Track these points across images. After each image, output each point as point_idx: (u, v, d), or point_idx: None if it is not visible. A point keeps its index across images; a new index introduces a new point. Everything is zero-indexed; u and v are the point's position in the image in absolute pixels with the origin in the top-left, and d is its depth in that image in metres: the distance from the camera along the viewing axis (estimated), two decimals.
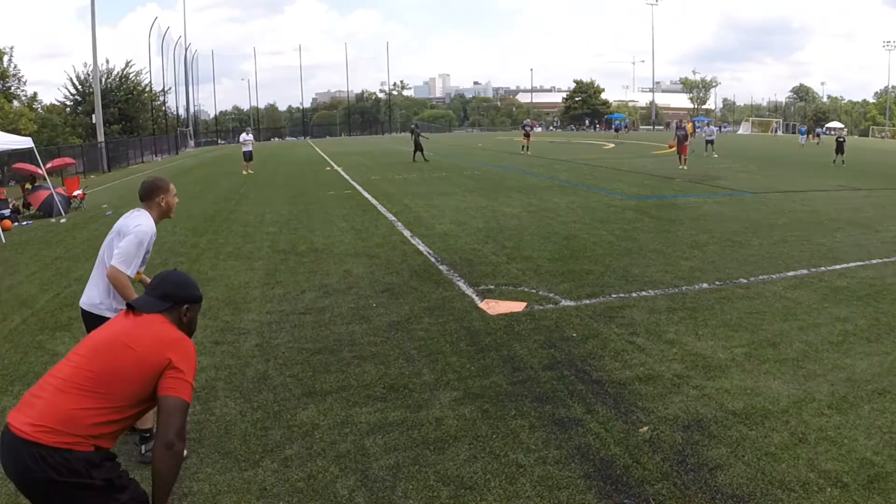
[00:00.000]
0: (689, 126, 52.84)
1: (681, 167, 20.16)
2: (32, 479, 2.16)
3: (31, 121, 32.10)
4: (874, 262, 7.92)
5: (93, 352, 2.35)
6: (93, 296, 3.71)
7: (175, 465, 2.25)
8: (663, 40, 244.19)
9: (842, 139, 25.73)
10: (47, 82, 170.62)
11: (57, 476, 2.13)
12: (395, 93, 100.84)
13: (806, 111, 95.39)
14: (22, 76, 37.05)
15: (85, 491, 2.18)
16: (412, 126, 30.73)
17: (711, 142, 30.65)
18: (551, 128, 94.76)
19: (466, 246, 9.20)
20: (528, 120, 40.54)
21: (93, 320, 3.58)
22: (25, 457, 2.14)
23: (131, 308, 2.51)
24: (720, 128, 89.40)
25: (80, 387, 2.23)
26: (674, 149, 21.34)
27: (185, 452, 3.18)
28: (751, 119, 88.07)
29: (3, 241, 11.26)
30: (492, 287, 6.97)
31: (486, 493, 3.27)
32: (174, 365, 2.31)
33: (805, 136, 43.20)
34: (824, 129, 62.36)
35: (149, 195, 3.76)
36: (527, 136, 33.00)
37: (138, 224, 3.64)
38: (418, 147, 26.19)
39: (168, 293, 2.53)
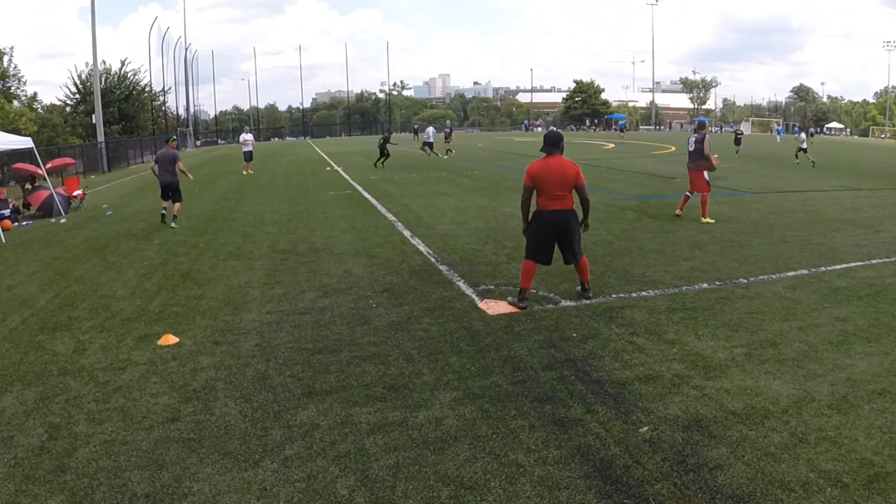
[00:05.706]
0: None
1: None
2: (566, 219, 6.10)
3: (31, 121, 32.13)
4: (874, 262, 7.92)
5: (557, 178, 5.97)
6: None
7: (588, 200, 6.15)
8: (663, 40, 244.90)
9: (740, 133, 33.52)
10: (47, 82, 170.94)
11: (575, 219, 6.14)
12: (394, 93, 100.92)
13: (806, 111, 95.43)
14: (22, 76, 37.22)
15: (579, 222, 6.21)
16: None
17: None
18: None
19: (466, 246, 9.20)
20: (448, 124, 41.63)
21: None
22: (561, 216, 6.06)
23: (550, 154, 6.07)
24: (720, 128, 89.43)
25: (564, 192, 6.01)
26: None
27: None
28: (751, 119, 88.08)
29: (3, 241, 11.25)
30: (492, 287, 6.97)
31: (486, 493, 3.26)
32: (579, 173, 6.05)
33: (782, 134, 46.24)
34: (822, 129, 62.57)
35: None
36: (446, 139, 32.17)
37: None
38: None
39: (555, 142, 6.09)
